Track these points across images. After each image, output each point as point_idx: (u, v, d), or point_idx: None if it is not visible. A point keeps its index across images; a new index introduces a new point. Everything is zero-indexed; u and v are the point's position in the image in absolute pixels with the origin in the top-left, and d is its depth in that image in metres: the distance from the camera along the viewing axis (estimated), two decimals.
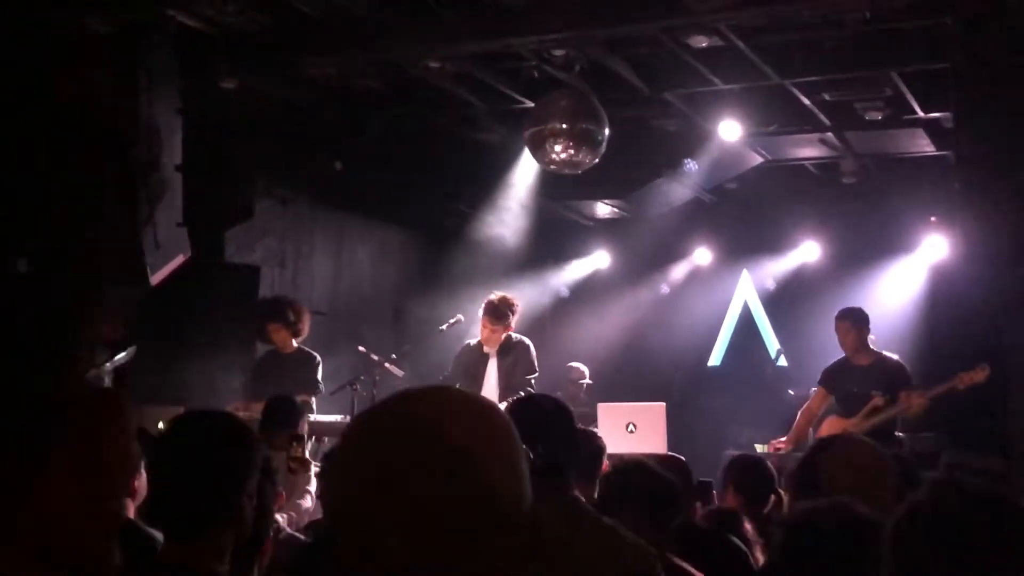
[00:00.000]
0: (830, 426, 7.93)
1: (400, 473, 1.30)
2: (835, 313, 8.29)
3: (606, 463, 5.18)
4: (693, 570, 3.36)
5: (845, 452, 3.10)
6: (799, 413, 8.34)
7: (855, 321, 8.05)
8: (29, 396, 0.54)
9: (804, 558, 2.41)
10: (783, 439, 8.34)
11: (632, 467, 3.88)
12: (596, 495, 3.88)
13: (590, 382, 10.43)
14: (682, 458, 4.76)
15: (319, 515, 5.48)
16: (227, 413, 2.38)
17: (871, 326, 8.18)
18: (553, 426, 2.85)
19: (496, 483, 1.33)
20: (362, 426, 1.38)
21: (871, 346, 8.10)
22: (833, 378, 8.13)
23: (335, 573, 1.38)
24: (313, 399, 8.23)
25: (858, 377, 7.95)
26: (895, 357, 8.09)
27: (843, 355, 8.15)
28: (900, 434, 8.12)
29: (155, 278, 7.20)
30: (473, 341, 8.48)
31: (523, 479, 1.36)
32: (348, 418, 8.19)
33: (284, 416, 6.17)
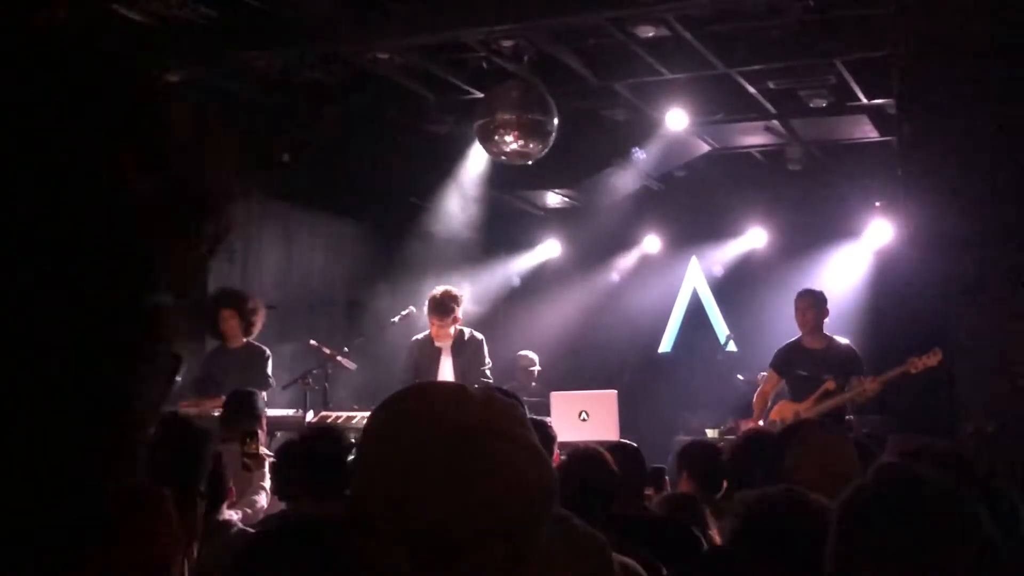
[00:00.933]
0: (781, 410, 7.97)
1: (475, 471, 1.36)
2: (783, 297, 8.38)
3: (557, 452, 5.22)
4: (628, 560, 3.38)
5: (813, 440, 3.15)
6: (756, 396, 8.38)
7: (816, 300, 8.10)
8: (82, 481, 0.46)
9: (757, 544, 2.46)
10: (749, 421, 8.35)
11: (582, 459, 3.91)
12: None
13: (539, 369, 10.46)
14: (634, 445, 4.78)
15: (274, 511, 5.47)
16: (175, 412, 2.38)
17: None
18: None
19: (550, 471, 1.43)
20: (411, 428, 1.43)
21: (824, 331, 8.16)
22: (784, 361, 8.14)
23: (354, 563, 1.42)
24: (264, 394, 8.17)
25: (809, 361, 7.99)
26: (846, 342, 8.15)
27: (794, 338, 8.21)
28: (850, 417, 8.22)
29: None
30: (422, 335, 8.42)
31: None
32: (300, 412, 8.16)
33: (244, 411, 6.15)
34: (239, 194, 0.61)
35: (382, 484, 1.40)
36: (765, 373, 8.77)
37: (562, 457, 4.80)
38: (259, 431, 6.09)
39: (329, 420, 7.75)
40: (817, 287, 8.59)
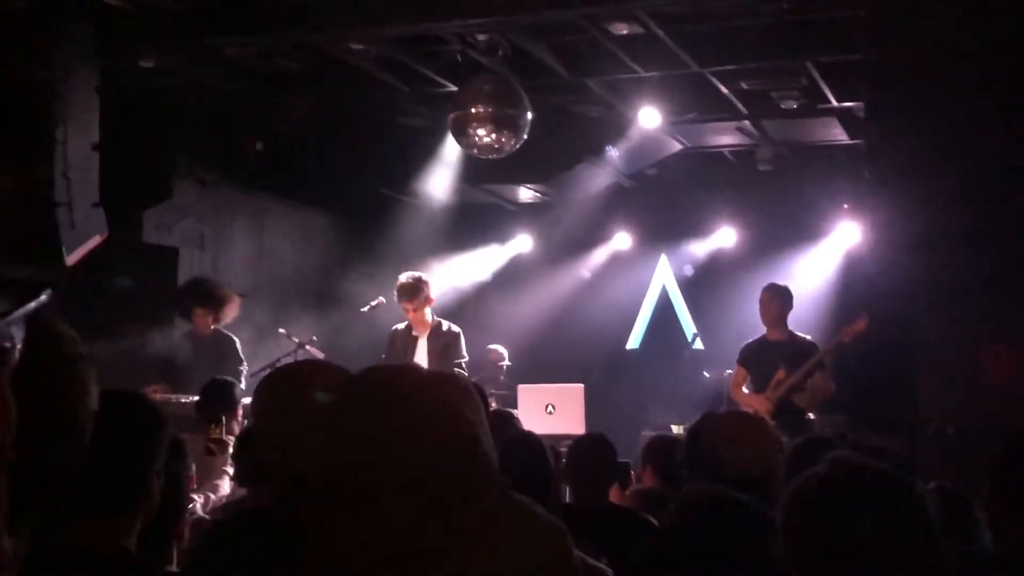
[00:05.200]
0: (747, 403, 8.10)
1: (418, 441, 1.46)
2: (751, 296, 8.49)
3: None
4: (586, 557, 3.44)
5: (721, 426, 3.31)
6: (733, 392, 8.45)
7: (779, 294, 8.24)
8: None
9: (692, 537, 2.59)
10: None
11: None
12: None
13: (509, 364, 10.50)
14: (605, 436, 4.81)
15: (236, 496, 5.47)
16: (134, 392, 2.41)
17: (792, 309, 8.37)
18: None
19: (486, 445, 1.54)
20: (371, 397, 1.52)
21: (787, 325, 8.28)
22: (749, 355, 8.31)
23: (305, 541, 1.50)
24: (243, 379, 8.19)
25: (771, 353, 8.13)
26: (808, 337, 8.28)
27: (761, 334, 8.34)
28: (811, 416, 8.31)
29: (71, 258, 7.11)
30: (402, 325, 8.47)
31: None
32: None
33: (221, 400, 6.13)
34: None
35: (301, 446, 1.52)
36: (731, 371, 8.85)
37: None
38: (224, 417, 6.08)
39: None
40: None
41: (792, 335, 8.22)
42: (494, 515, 1.66)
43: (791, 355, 8.02)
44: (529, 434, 4.14)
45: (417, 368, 1.66)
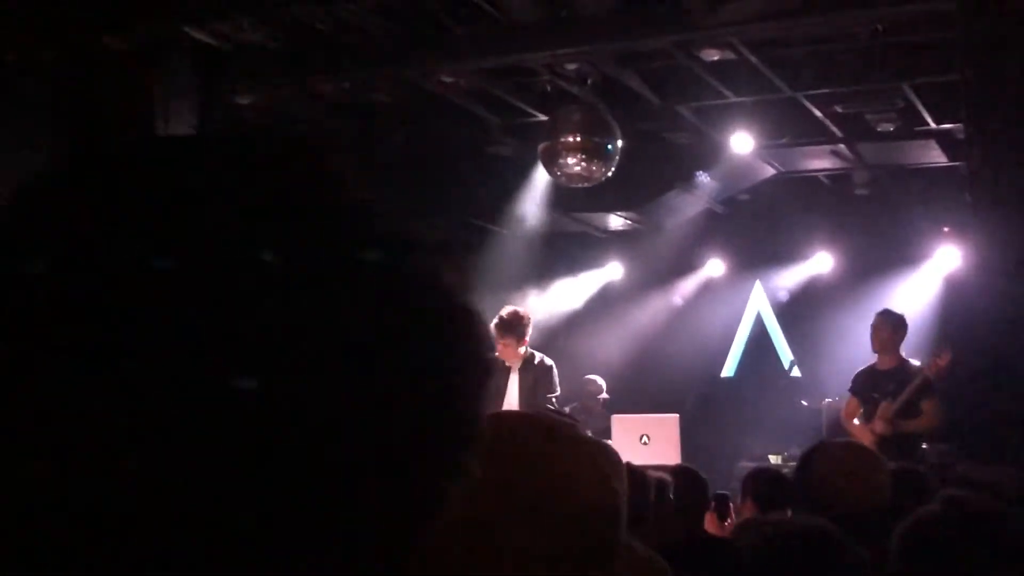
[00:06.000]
0: (857, 435, 7.94)
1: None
2: (848, 322, 8.35)
3: None
4: None
5: (834, 457, 3.23)
6: (845, 423, 8.25)
7: (889, 321, 8.05)
8: None
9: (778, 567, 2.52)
10: None
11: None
12: None
13: (607, 396, 10.40)
14: (695, 469, 4.75)
15: None
16: None
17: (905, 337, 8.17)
18: None
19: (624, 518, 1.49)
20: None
21: (899, 352, 8.08)
22: (858, 384, 8.12)
23: None
24: None
25: (879, 382, 7.94)
26: (916, 363, 8.08)
27: (872, 361, 8.15)
28: (925, 446, 8.10)
29: None
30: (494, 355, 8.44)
31: None
32: None
33: None
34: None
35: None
36: (830, 399, 8.68)
37: None
38: None
39: None
40: None
41: (902, 362, 7.99)
42: None
43: (897, 385, 7.82)
44: None
45: (567, 427, 1.64)
